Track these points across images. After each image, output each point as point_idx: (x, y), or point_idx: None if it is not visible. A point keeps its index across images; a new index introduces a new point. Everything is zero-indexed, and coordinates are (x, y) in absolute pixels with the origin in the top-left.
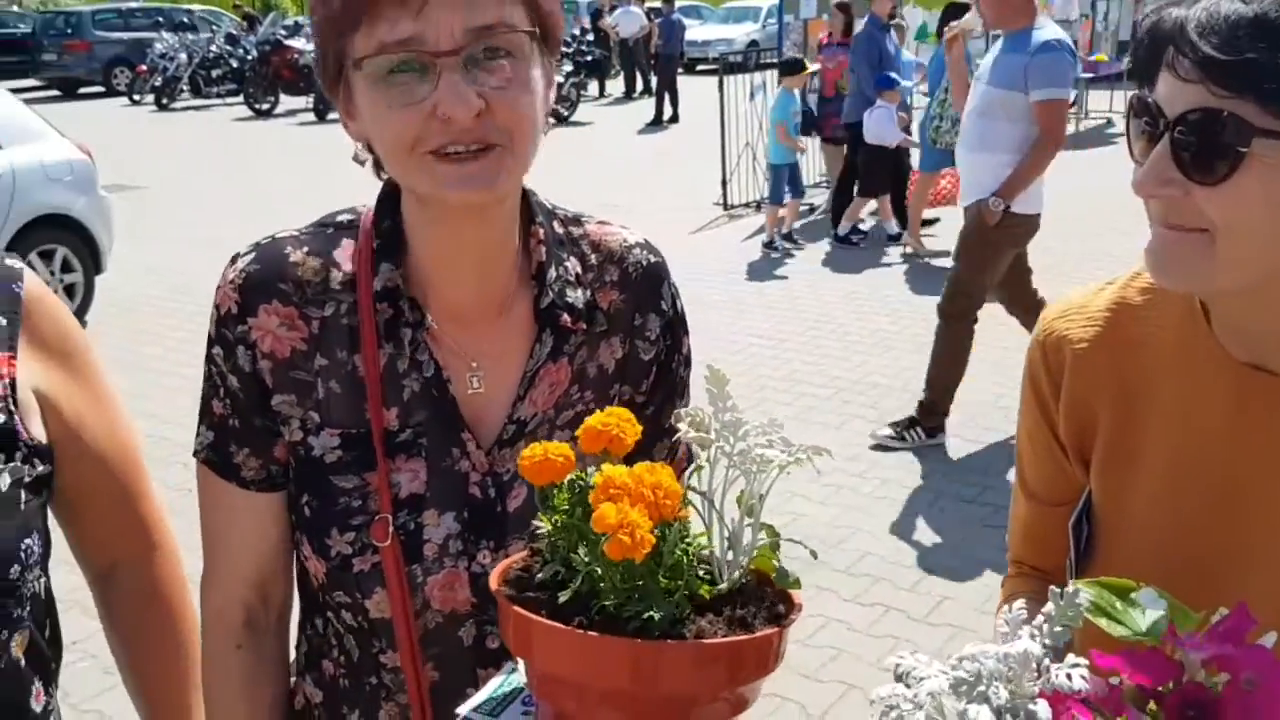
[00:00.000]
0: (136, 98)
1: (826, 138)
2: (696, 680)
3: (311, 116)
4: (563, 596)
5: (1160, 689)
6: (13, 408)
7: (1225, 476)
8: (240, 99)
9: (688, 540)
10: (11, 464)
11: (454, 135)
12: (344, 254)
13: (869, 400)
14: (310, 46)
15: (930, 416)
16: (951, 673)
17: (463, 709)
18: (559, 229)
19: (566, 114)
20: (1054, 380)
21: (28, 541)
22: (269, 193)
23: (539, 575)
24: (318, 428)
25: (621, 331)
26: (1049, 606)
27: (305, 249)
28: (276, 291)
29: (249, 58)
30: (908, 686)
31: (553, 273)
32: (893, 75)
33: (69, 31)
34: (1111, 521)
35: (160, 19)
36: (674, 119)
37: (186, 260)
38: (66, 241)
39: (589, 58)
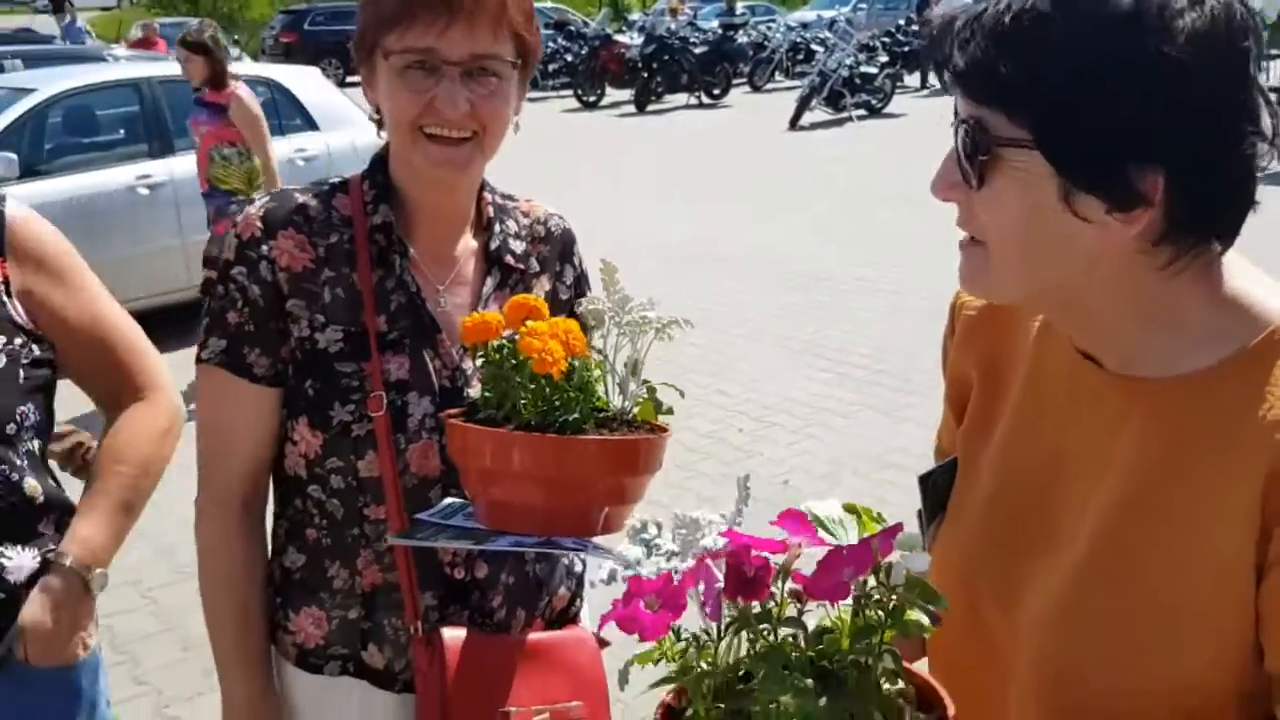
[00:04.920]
0: None
1: None
2: (594, 467)
3: (632, 108)
4: (498, 416)
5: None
6: (4, 299)
7: (1048, 458)
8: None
9: (589, 371)
10: (10, 346)
11: (442, 123)
12: (339, 202)
13: None
14: (639, 41)
15: None
16: (634, 525)
17: (421, 515)
18: (499, 200)
19: (879, 105)
20: (950, 342)
21: (23, 409)
22: (582, 179)
23: (479, 416)
24: (323, 325)
25: (548, 274)
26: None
27: (310, 195)
28: (291, 222)
29: (582, 52)
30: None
31: (498, 227)
32: None
33: None
34: (962, 482)
35: None
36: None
37: None
38: None
39: (905, 48)
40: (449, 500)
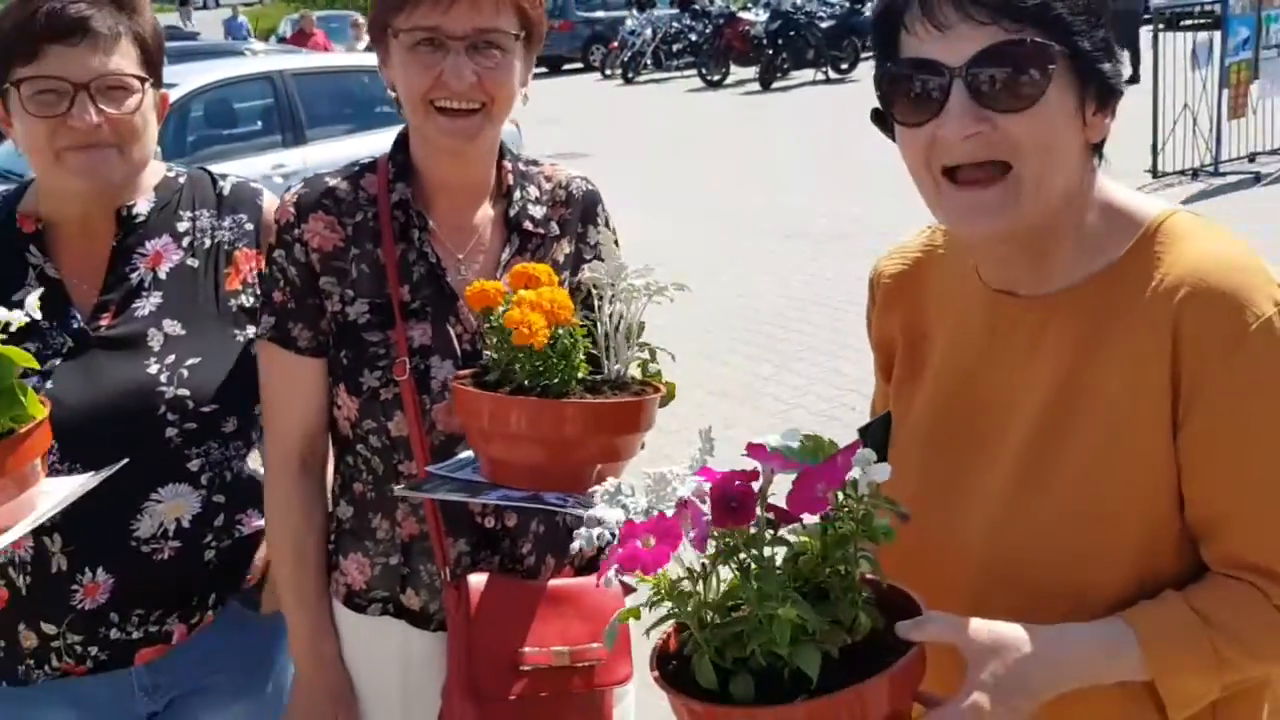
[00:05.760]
0: (608, 72)
1: None
2: (579, 427)
3: (757, 86)
4: (492, 378)
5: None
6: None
7: (976, 388)
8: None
9: (574, 340)
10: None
11: (451, 95)
12: (367, 182)
13: None
14: (764, 17)
15: None
16: (607, 490)
17: (431, 468)
18: (522, 167)
19: None
20: (873, 311)
21: None
22: (707, 159)
23: (486, 378)
24: (353, 299)
25: (570, 235)
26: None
27: (340, 178)
28: (320, 205)
29: (706, 31)
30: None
31: (518, 194)
32: None
33: (555, 13)
34: (899, 428)
35: None
36: (1133, 79)
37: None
38: None
39: None
40: (462, 454)
